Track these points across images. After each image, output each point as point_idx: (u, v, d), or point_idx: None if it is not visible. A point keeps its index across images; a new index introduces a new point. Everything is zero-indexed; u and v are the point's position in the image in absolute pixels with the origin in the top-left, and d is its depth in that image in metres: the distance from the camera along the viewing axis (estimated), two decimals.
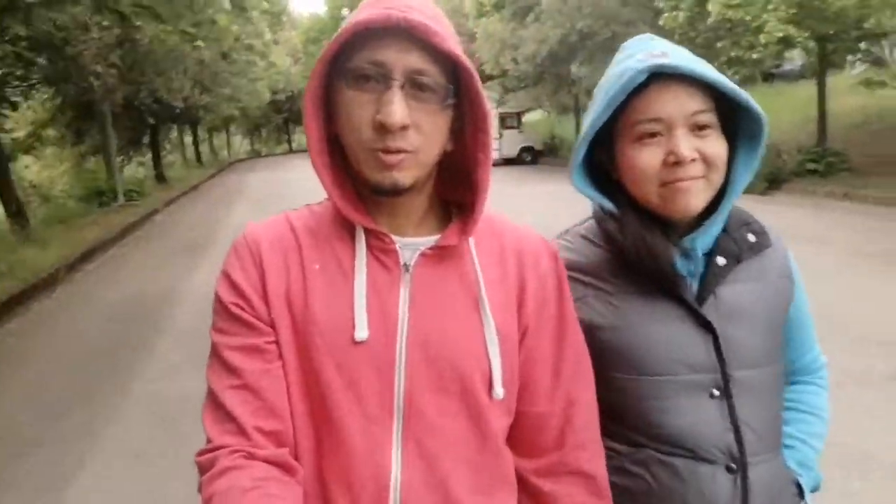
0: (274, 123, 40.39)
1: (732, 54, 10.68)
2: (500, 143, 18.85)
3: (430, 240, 0.82)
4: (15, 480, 2.93)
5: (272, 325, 0.77)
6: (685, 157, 0.84)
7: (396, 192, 0.75)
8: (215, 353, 0.77)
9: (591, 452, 0.86)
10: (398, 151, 0.73)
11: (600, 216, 0.97)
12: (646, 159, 0.86)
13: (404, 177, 0.74)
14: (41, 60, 7.25)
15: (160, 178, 17.61)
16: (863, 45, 12.02)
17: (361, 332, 0.75)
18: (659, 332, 0.90)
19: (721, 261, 0.91)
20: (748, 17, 10.21)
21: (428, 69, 0.73)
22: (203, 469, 0.72)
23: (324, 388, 0.75)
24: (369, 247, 0.79)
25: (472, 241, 0.83)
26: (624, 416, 0.91)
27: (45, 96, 13.13)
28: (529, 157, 19.61)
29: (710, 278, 0.91)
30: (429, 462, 0.76)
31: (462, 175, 0.83)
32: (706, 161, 0.86)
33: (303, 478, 0.74)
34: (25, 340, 5.12)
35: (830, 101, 12.77)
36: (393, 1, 0.73)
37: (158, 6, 4.62)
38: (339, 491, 0.74)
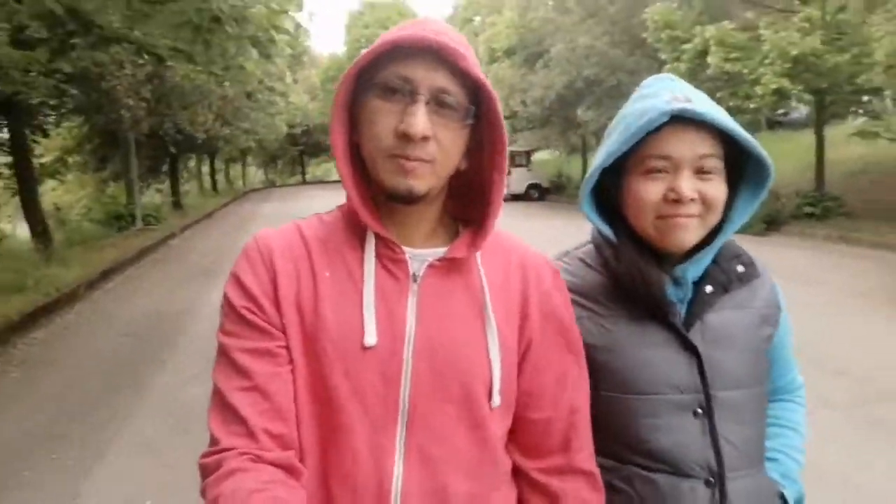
0: (289, 155, 41.30)
1: (731, 104, 11.12)
2: (509, 179, 19.10)
3: (437, 251, 0.84)
4: (42, 470, 3.21)
5: (282, 330, 0.78)
6: (685, 197, 0.89)
7: (411, 198, 0.78)
8: (224, 355, 0.78)
9: (589, 452, 0.91)
10: (417, 159, 0.76)
11: (598, 242, 1.03)
12: (648, 192, 0.92)
13: (420, 184, 0.78)
14: (74, 92, 7.74)
15: (177, 204, 18.14)
16: (864, 98, 12.45)
17: (370, 338, 0.77)
18: (647, 354, 0.95)
19: (709, 289, 0.97)
20: (745, 70, 10.71)
21: (452, 89, 0.77)
22: (208, 470, 0.72)
23: (331, 392, 0.77)
24: (379, 256, 0.82)
25: (478, 254, 0.86)
26: (612, 432, 0.94)
27: (74, 125, 13.77)
28: (537, 194, 20.02)
29: (698, 305, 0.96)
30: (430, 469, 0.78)
31: (472, 194, 0.88)
32: (705, 202, 0.91)
33: (306, 480, 0.76)
34: (50, 348, 5.45)
35: (832, 150, 13.13)
36: (426, 24, 0.79)
37: (195, 52, 5.09)
38: (341, 494, 0.76)
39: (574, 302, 0.95)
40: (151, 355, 5.04)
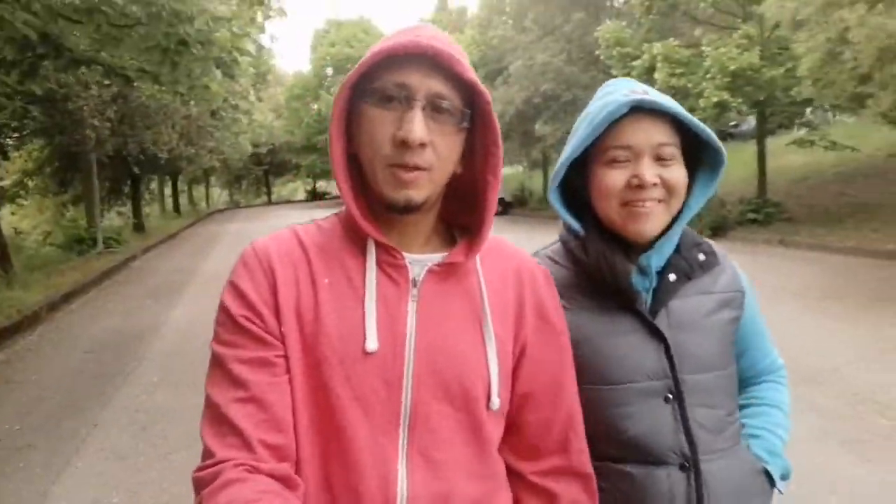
0: (254, 175, 41.04)
1: None
2: None
3: (436, 257, 0.85)
4: (12, 477, 3.33)
5: (281, 339, 0.78)
6: (648, 182, 0.94)
7: (409, 208, 0.79)
8: (219, 365, 0.77)
9: (586, 455, 0.92)
10: (415, 168, 0.77)
11: (566, 238, 1.06)
12: (612, 180, 0.96)
13: (418, 194, 0.79)
14: (36, 114, 7.80)
15: (138, 227, 17.97)
16: (807, 110, 13.23)
17: (372, 344, 0.77)
18: (617, 343, 0.98)
19: (672, 277, 1.00)
20: (690, 84, 11.34)
21: (448, 94, 0.78)
22: (203, 483, 0.71)
23: (333, 399, 0.77)
24: (379, 262, 0.82)
25: (478, 258, 0.87)
26: (588, 426, 0.94)
27: (34, 147, 13.64)
28: (500, 208, 20.44)
29: (663, 293, 1.00)
30: (433, 472, 0.79)
31: (466, 199, 0.89)
32: (666, 187, 0.96)
33: (303, 492, 0.75)
34: (13, 368, 5.48)
35: (778, 159, 13.85)
36: (419, 31, 0.80)
37: (161, 73, 5.31)
38: (347, 501, 0.76)
39: None
40: (115, 370, 5.14)
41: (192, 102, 9.75)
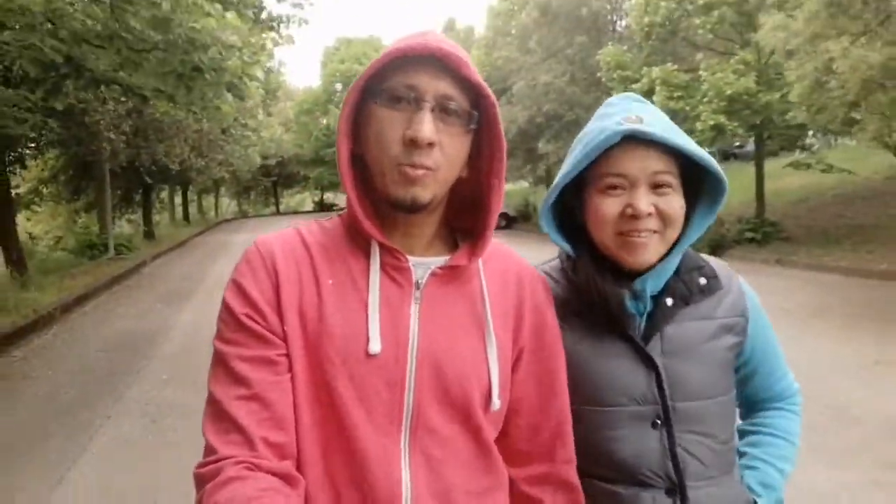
0: (262, 186, 41.56)
1: None
2: None
3: (438, 260, 0.86)
4: (31, 462, 3.58)
5: (284, 337, 0.78)
6: (642, 212, 0.92)
7: (415, 207, 0.79)
8: (221, 363, 0.77)
9: (573, 466, 0.92)
10: (422, 167, 0.78)
11: (563, 257, 1.06)
12: (607, 208, 0.94)
13: (424, 193, 0.79)
14: (55, 126, 8.20)
15: (149, 234, 18.35)
16: (810, 133, 13.47)
17: (375, 346, 0.78)
18: (607, 366, 0.97)
19: (669, 301, 0.98)
20: (687, 108, 11.65)
21: (456, 95, 0.79)
22: (204, 480, 0.72)
23: (335, 398, 0.77)
24: (383, 264, 0.82)
25: (480, 262, 0.88)
26: (579, 445, 0.94)
27: (50, 157, 14.09)
28: (504, 223, 20.68)
29: (658, 318, 0.98)
30: (434, 471, 0.80)
31: (469, 203, 0.90)
32: (662, 217, 0.94)
33: (304, 490, 0.75)
34: (31, 363, 5.76)
35: (779, 180, 14.06)
36: (427, 35, 0.81)
37: (177, 95, 5.70)
38: (352, 499, 0.77)
39: None
40: (126, 367, 5.41)
41: (204, 120, 10.18)
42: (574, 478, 0.92)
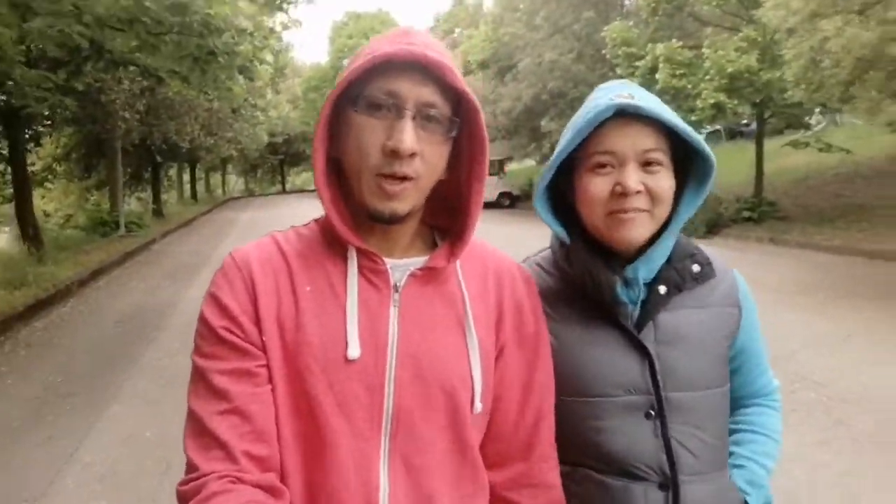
0: (269, 164, 41.79)
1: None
2: None
3: (417, 261, 0.85)
4: (60, 414, 3.95)
5: (263, 348, 0.77)
6: (630, 189, 0.90)
7: (394, 220, 0.79)
8: (201, 378, 0.77)
9: (551, 464, 0.91)
10: (403, 178, 0.76)
11: (555, 246, 1.05)
12: (596, 187, 0.93)
13: (403, 206, 0.78)
14: (73, 104, 8.51)
15: (158, 212, 18.69)
16: (817, 111, 13.39)
17: (354, 351, 0.77)
18: (598, 355, 0.96)
19: (662, 289, 0.96)
20: (689, 86, 11.70)
21: (437, 102, 0.78)
22: (187, 497, 0.71)
23: (315, 407, 0.76)
24: (360, 268, 0.81)
25: (458, 263, 0.87)
26: (567, 436, 0.94)
27: (64, 135, 14.42)
28: (508, 202, 20.80)
29: (651, 306, 0.96)
30: (414, 477, 0.79)
31: (449, 202, 0.89)
32: (651, 195, 0.92)
33: (289, 501, 0.75)
34: (51, 334, 6.14)
35: (783, 159, 14.08)
36: (411, 37, 0.79)
37: (192, 76, 6.00)
38: None
39: None
40: (141, 337, 5.77)
41: (215, 99, 10.51)
42: (553, 477, 0.91)
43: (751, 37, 11.43)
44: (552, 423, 0.92)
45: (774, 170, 14.38)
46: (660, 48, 12.29)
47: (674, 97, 12.42)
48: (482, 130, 0.82)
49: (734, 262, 1.10)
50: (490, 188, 20.41)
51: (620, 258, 0.97)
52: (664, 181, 0.94)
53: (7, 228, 13.36)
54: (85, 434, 3.66)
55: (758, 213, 11.96)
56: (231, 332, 0.77)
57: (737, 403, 1.09)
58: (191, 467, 0.74)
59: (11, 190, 10.67)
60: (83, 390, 4.39)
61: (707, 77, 11.27)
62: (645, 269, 0.96)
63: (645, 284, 0.97)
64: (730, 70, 10.93)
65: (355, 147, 0.78)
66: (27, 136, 10.28)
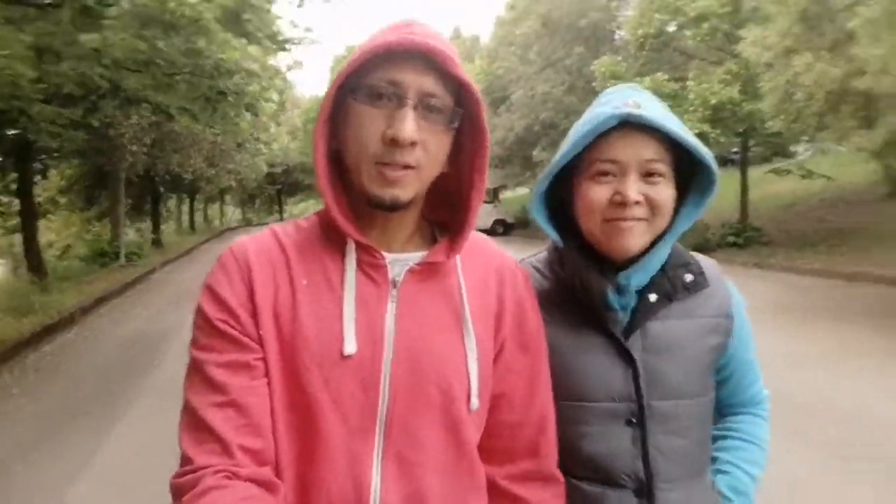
0: (267, 194, 42.22)
1: None
2: None
3: (416, 256, 0.84)
4: (70, 433, 4.16)
5: (260, 341, 0.77)
6: (630, 199, 0.90)
7: (395, 206, 0.78)
8: (197, 370, 0.77)
9: (555, 459, 0.92)
10: (404, 167, 0.76)
11: (551, 249, 1.05)
12: (596, 194, 0.93)
13: (405, 193, 0.78)
14: (86, 138, 8.91)
15: (157, 242, 18.93)
16: (804, 140, 13.82)
17: (349, 347, 0.77)
18: (585, 360, 0.96)
19: (653, 297, 0.96)
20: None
21: (439, 92, 0.78)
22: (182, 491, 0.71)
23: (310, 401, 0.76)
24: (359, 262, 0.81)
25: (458, 258, 0.86)
26: None
27: (69, 167, 14.82)
28: (502, 229, 21.06)
29: (641, 314, 0.96)
30: (408, 474, 0.78)
31: (448, 197, 0.88)
32: (651, 205, 0.92)
33: (284, 495, 0.75)
34: (59, 357, 6.37)
35: (770, 186, 14.45)
36: (413, 27, 0.79)
37: (202, 115, 6.44)
38: (320, 503, 0.76)
39: None
40: (146, 360, 5.99)
41: (219, 133, 11.03)
42: (556, 470, 0.92)
43: (733, 70, 11.94)
44: (554, 418, 0.92)
45: (761, 196, 14.75)
46: (647, 81, 12.77)
47: None
48: (483, 122, 0.82)
49: None
50: (485, 216, 20.62)
51: (614, 265, 0.97)
52: (664, 192, 0.94)
53: (3, 260, 13.57)
54: (97, 445, 3.88)
55: (743, 239, 12.30)
56: (228, 324, 0.77)
57: (726, 411, 1.10)
58: (185, 460, 0.74)
59: (14, 221, 10.97)
60: (93, 409, 4.61)
61: (691, 108, 11.74)
62: (638, 277, 0.96)
63: (637, 292, 0.98)
64: (713, 102, 11.41)
65: (355, 136, 0.78)
66: (35, 168, 10.65)
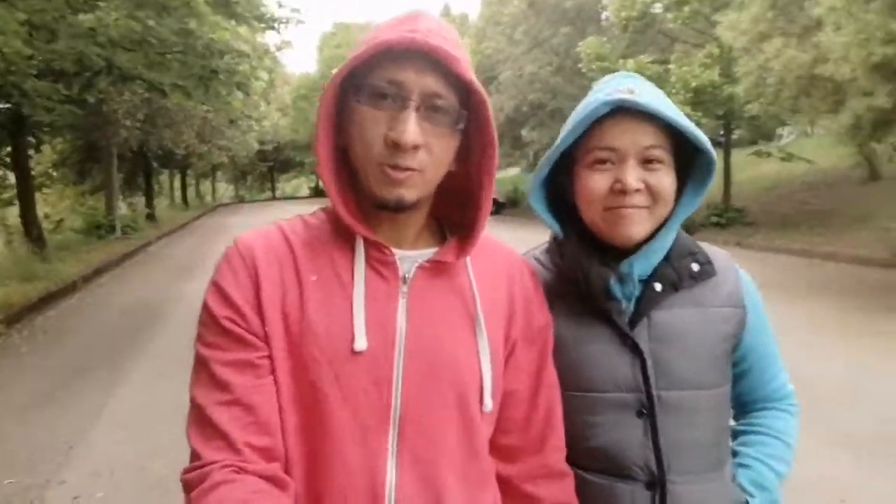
0: (259, 171, 42.25)
1: None
2: None
3: (426, 253, 0.84)
4: (81, 390, 4.52)
5: (265, 339, 0.77)
6: (630, 187, 0.89)
7: (400, 207, 0.78)
8: (203, 368, 0.77)
9: (562, 454, 0.92)
10: (406, 169, 0.75)
11: (552, 241, 1.05)
12: (595, 183, 0.92)
13: (410, 193, 0.77)
14: (77, 112, 9.13)
15: (151, 217, 19.13)
16: (788, 123, 14.11)
17: (361, 343, 0.76)
18: (590, 351, 0.95)
19: (658, 286, 0.95)
20: None
21: (443, 93, 0.76)
22: (191, 485, 0.71)
23: (320, 399, 0.76)
24: (368, 258, 0.80)
25: (467, 258, 0.86)
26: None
27: (63, 141, 14.97)
28: (494, 209, 21.19)
29: (646, 303, 0.95)
30: (423, 472, 0.78)
31: (458, 195, 0.87)
32: (651, 192, 0.91)
33: (294, 492, 0.74)
34: (64, 322, 6.72)
35: (753, 168, 14.77)
36: (416, 23, 0.76)
37: (195, 93, 6.72)
38: (333, 502, 0.76)
39: None
40: (147, 324, 6.36)
41: (210, 109, 11.27)
42: (564, 465, 0.93)
43: (714, 53, 12.21)
44: (561, 413, 0.93)
45: (746, 178, 15.12)
46: (630, 63, 13.00)
47: None
48: (490, 123, 0.81)
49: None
50: None
51: (617, 254, 0.96)
52: (665, 179, 0.92)
53: None
54: (105, 398, 4.25)
55: (725, 219, 12.67)
56: (234, 322, 0.77)
57: (749, 407, 1.09)
58: (194, 456, 0.74)
59: (10, 194, 11.20)
60: (102, 366, 4.98)
61: (673, 91, 12.01)
62: (640, 265, 0.95)
63: (641, 281, 0.96)
64: (694, 84, 11.69)
65: (359, 138, 0.78)
66: (29, 142, 10.85)
